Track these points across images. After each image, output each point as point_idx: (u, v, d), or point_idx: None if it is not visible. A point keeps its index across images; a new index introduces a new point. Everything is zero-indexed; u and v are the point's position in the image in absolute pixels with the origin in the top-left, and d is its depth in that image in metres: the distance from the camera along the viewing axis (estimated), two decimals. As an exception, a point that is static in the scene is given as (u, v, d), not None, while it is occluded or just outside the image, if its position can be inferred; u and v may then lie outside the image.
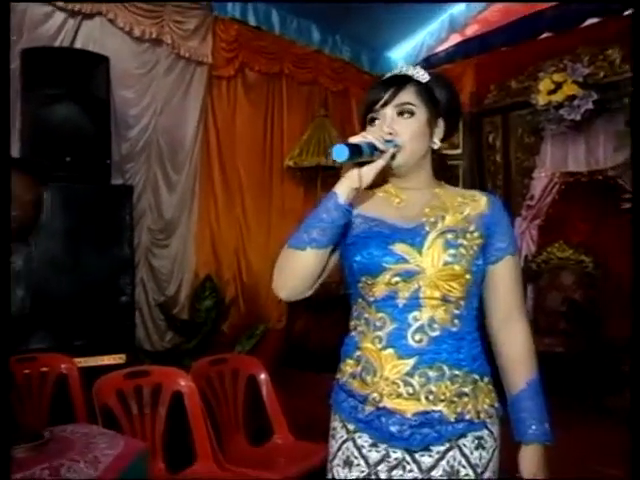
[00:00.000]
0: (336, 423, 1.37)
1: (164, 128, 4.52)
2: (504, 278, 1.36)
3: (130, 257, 3.68)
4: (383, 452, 1.28)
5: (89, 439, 1.85)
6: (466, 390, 1.27)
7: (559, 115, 4.31)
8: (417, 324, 1.27)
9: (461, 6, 5.63)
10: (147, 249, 4.48)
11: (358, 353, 1.33)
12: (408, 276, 1.28)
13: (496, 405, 1.33)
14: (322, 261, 1.28)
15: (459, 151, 5.32)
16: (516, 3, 5.19)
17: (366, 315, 1.33)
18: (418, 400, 1.25)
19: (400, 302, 1.28)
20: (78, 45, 3.95)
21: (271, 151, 5.30)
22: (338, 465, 1.33)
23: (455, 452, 1.27)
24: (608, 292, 4.54)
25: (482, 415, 1.28)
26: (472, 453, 1.28)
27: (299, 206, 5.22)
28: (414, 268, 1.28)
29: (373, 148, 1.24)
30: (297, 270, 1.28)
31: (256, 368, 2.85)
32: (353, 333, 1.37)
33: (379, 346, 1.29)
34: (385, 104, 1.34)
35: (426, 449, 1.27)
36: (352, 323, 1.39)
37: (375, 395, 1.27)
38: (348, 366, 1.35)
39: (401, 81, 1.36)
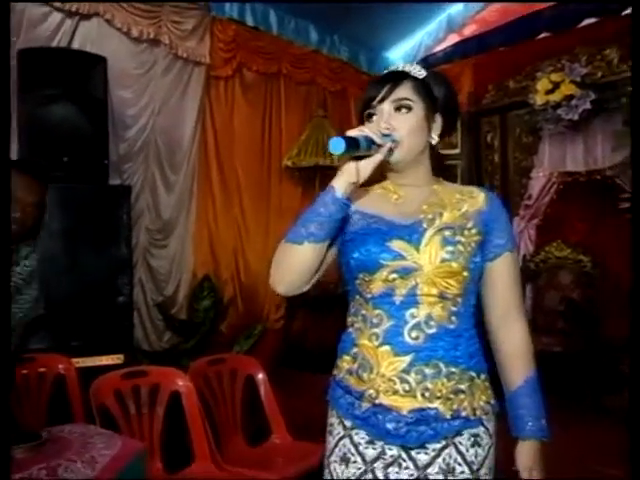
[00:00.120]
0: (333, 419, 1.37)
1: (162, 128, 4.52)
2: (502, 275, 1.36)
3: (128, 257, 3.68)
4: (379, 449, 1.29)
5: (86, 439, 1.86)
6: (462, 387, 1.27)
7: (557, 115, 4.31)
8: (414, 321, 1.27)
9: (459, 6, 5.63)
10: (145, 249, 4.48)
11: (355, 350, 1.33)
12: (405, 273, 1.28)
13: (492, 402, 1.33)
14: (320, 255, 1.28)
15: (457, 151, 5.33)
16: (514, 3, 5.19)
17: (363, 312, 1.33)
18: (414, 397, 1.25)
19: (397, 299, 1.28)
20: (75, 45, 3.95)
21: (269, 151, 5.30)
22: (335, 462, 1.34)
23: (451, 449, 1.27)
24: (606, 291, 4.54)
25: (478, 412, 1.28)
26: (468, 450, 1.28)
27: (297, 206, 5.21)
28: (411, 265, 1.28)
29: (371, 142, 1.24)
30: (295, 264, 1.28)
31: (254, 368, 2.85)
32: (350, 329, 1.37)
33: (376, 343, 1.29)
34: (382, 100, 1.34)
35: (422, 446, 1.27)
36: (349, 319, 1.39)
37: (371, 392, 1.28)
38: (345, 362, 1.35)
39: (398, 77, 1.36)
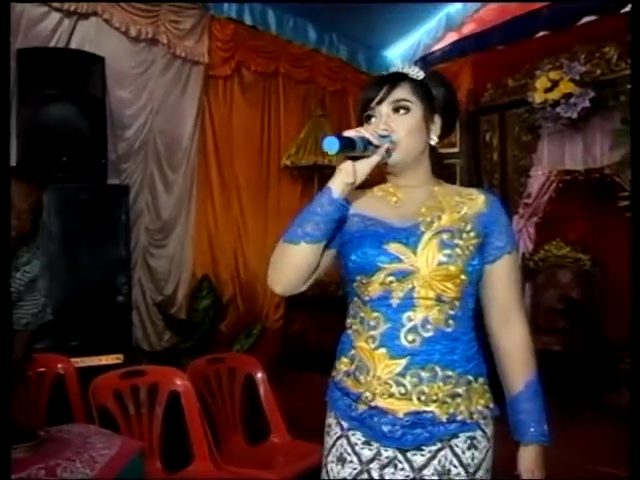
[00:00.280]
0: (331, 420, 1.37)
1: (160, 128, 4.51)
2: (502, 278, 1.35)
3: (127, 257, 3.68)
4: (375, 450, 1.29)
5: (85, 439, 1.86)
6: (459, 391, 1.27)
7: (556, 113, 4.30)
8: (410, 324, 1.27)
9: (458, 5, 5.62)
10: (145, 249, 4.48)
11: (352, 352, 1.33)
12: (402, 276, 1.27)
13: (491, 406, 1.32)
14: (316, 255, 1.28)
15: (456, 149, 5.32)
16: (512, 2, 5.19)
17: (361, 314, 1.33)
18: (410, 400, 1.25)
19: (394, 302, 1.28)
20: (74, 45, 3.94)
21: (268, 150, 5.30)
22: (332, 462, 1.34)
23: (447, 451, 1.27)
24: (605, 290, 4.54)
25: (475, 416, 1.28)
26: (464, 453, 1.28)
27: (296, 205, 5.20)
28: (408, 268, 1.27)
29: (367, 143, 1.23)
30: (291, 264, 1.28)
31: (253, 367, 2.85)
32: (349, 331, 1.37)
33: (372, 345, 1.29)
34: (380, 101, 1.34)
35: (418, 448, 1.27)
36: (348, 321, 1.39)
37: (368, 394, 1.28)
38: (343, 364, 1.35)
39: (396, 79, 1.35)
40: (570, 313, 4.34)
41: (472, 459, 1.28)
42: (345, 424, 1.33)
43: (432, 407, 1.25)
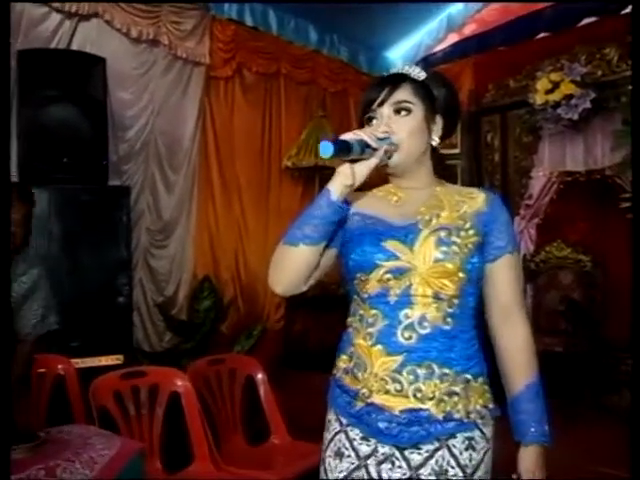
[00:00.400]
0: (331, 416, 1.38)
1: (162, 129, 4.52)
2: (503, 277, 1.35)
3: (127, 258, 3.69)
4: (373, 446, 1.29)
5: (85, 440, 1.86)
6: (456, 389, 1.27)
7: (557, 114, 4.30)
8: (407, 321, 1.27)
9: (459, 6, 5.63)
10: (146, 250, 4.48)
11: (351, 349, 1.34)
12: (399, 273, 1.28)
13: (490, 406, 1.32)
14: (316, 257, 1.29)
15: (457, 150, 5.32)
16: (514, 3, 5.19)
17: (361, 312, 1.34)
18: (406, 397, 1.25)
19: (392, 299, 1.28)
20: (75, 46, 3.95)
21: (269, 151, 5.30)
22: (330, 456, 1.35)
23: (444, 452, 1.27)
24: (607, 291, 4.54)
25: (472, 415, 1.28)
26: (461, 454, 1.27)
27: (297, 206, 5.20)
28: (405, 265, 1.28)
29: (365, 145, 1.23)
30: (291, 266, 1.30)
31: (253, 368, 2.85)
32: (349, 329, 1.38)
33: (370, 342, 1.29)
34: (382, 103, 1.34)
35: (415, 447, 1.27)
36: (349, 320, 1.40)
37: (365, 391, 1.28)
38: (342, 362, 1.37)
39: (397, 80, 1.35)
40: (571, 314, 4.34)
41: (470, 460, 1.28)
42: (344, 420, 1.34)
43: (428, 405, 1.25)
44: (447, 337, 1.28)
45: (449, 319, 1.28)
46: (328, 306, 4.62)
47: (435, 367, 1.26)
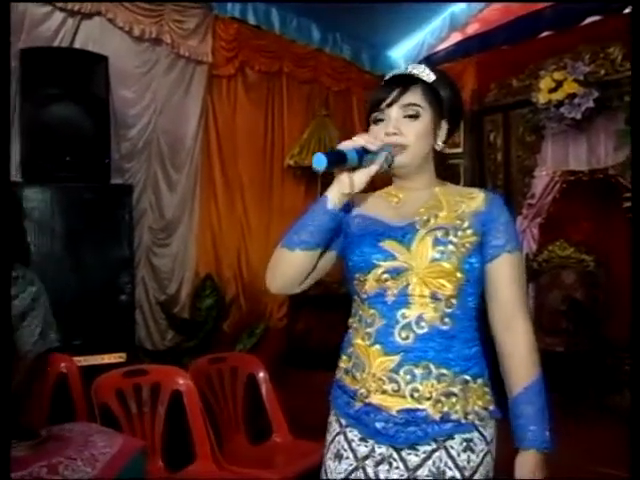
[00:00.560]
0: (332, 417, 1.39)
1: (164, 127, 4.52)
2: (502, 277, 1.33)
3: (130, 256, 3.69)
4: (370, 447, 1.29)
5: (87, 437, 1.86)
6: (454, 390, 1.26)
7: (560, 113, 4.29)
8: (405, 321, 1.27)
9: (462, 5, 5.61)
10: (148, 248, 4.48)
11: (351, 349, 1.35)
12: (397, 273, 1.28)
13: (491, 408, 1.31)
14: (311, 261, 1.31)
15: (460, 150, 5.31)
16: (517, 2, 5.18)
17: (360, 312, 1.35)
18: (403, 397, 1.25)
19: (389, 299, 1.29)
20: (77, 45, 3.95)
21: (272, 150, 5.30)
22: (330, 458, 1.35)
23: (441, 453, 1.26)
24: (609, 291, 4.53)
25: (471, 417, 1.27)
26: (459, 455, 1.26)
27: (300, 205, 5.20)
28: (402, 265, 1.28)
29: (363, 152, 1.23)
30: (286, 269, 1.32)
31: (255, 366, 2.85)
32: (350, 330, 1.39)
33: (368, 342, 1.30)
34: (391, 104, 1.33)
35: (413, 448, 1.26)
36: (350, 320, 1.40)
37: (363, 391, 1.29)
38: (342, 362, 1.38)
39: (407, 80, 1.35)
40: (574, 314, 4.33)
41: (468, 462, 1.26)
42: (344, 421, 1.34)
43: (425, 405, 1.24)
44: (445, 337, 1.27)
45: (447, 319, 1.28)
46: (331, 305, 4.61)
47: (432, 367, 1.25)
